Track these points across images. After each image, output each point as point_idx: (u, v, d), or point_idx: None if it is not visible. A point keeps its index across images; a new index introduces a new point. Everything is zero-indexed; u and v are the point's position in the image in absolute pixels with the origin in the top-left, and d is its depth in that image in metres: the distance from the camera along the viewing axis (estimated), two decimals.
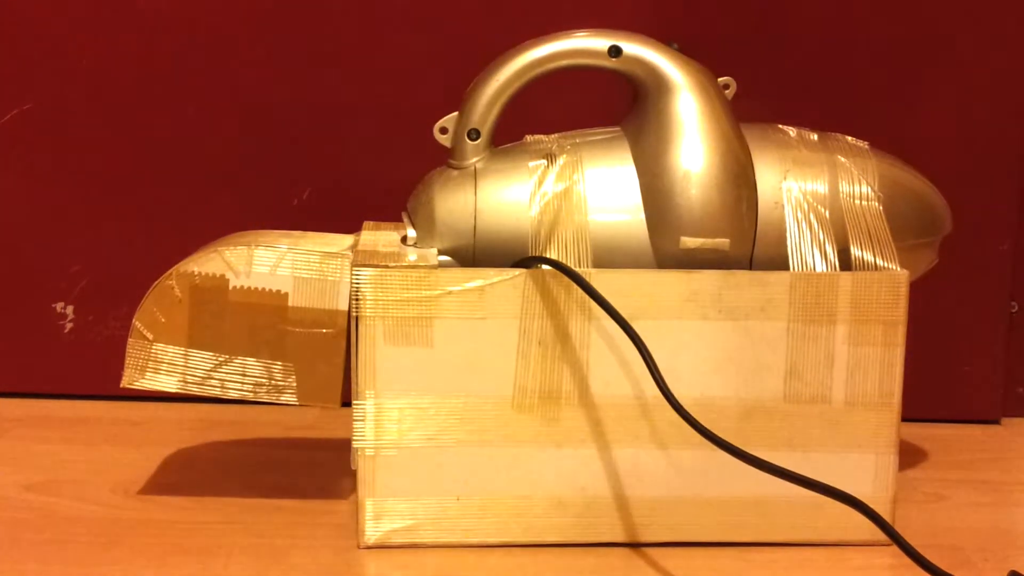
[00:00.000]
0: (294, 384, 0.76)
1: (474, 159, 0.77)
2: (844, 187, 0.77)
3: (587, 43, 0.76)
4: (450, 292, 0.72)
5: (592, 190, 0.75)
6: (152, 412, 0.98)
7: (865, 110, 0.96)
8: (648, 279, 0.73)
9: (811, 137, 0.79)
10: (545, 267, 0.73)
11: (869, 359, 0.74)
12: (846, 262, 0.75)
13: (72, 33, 0.97)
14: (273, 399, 0.76)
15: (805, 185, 0.76)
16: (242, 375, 0.76)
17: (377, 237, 0.79)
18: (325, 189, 0.99)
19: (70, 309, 1.00)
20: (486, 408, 0.73)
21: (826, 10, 0.96)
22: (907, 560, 0.67)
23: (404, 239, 0.77)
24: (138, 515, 0.79)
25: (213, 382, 0.76)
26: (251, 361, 0.76)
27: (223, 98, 0.98)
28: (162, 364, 0.76)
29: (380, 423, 0.73)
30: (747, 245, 0.75)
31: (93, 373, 1.00)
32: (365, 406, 0.73)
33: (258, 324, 0.75)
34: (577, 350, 0.73)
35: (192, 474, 0.86)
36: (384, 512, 0.74)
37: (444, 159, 0.78)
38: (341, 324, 0.75)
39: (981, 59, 0.96)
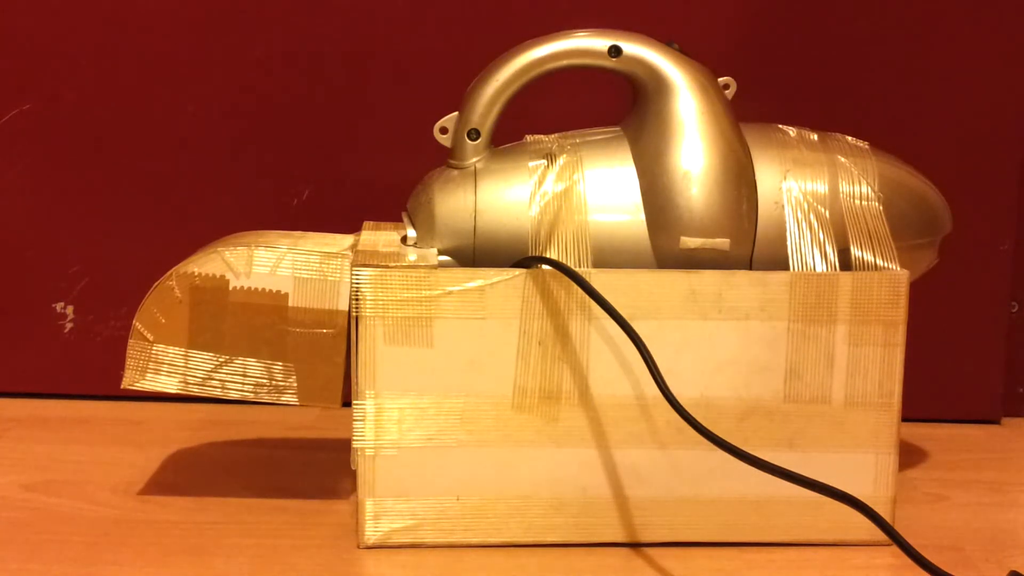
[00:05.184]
0: (294, 384, 0.76)
1: (474, 159, 0.77)
2: (844, 187, 0.77)
3: (587, 43, 0.76)
4: (450, 292, 0.72)
5: (592, 190, 0.75)
6: (152, 412, 0.98)
7: (865, 110, 0.96)
8: (648, 279, 0.73)
9: (811, 137, 0.79)
10: (545, 267, 0.73)
11: (869, 359, 0.74)
12: (846, 262, 0.75)
13: (72, 33, 0.97)
14: (274, 399, 0.76)
15: (805, 185, 0.76)
16: (243, 375, 0.76)
17: (377, 237, 0.79)
18: (325, 189, 0.99)
19: (70, 309, 1.00)
20: (486, 408, 0.73)
21: (826, 10, 0.96)
22: (907, 560, 0.67)
23: (404, 239, 0.77)
24: (138, 515, 0.79)
25: (214, 383, 0.76)
26: (251, 361, 0.76)
27: (223, 98, 0.98)
28: (163, 365, 0.76)
29: (380, 423, 0.73)
30: (747, 245, 0.75)
31: (93, 373, 1.00)
32: (365, 406, 0.73)
33: (258, 324, 0.75)
34: (577, 350, 0.73)
35: (192, 474, 0.86)
36: (384, 512, 0.74)
37: (444, 159, 0.78)
38: (341, 324, 0.75)
39: (981, 60, 0.96)
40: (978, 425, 1.00)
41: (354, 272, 0.72)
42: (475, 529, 0.75)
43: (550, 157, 0.76)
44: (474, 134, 0.77)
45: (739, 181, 0.75)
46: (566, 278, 0.72)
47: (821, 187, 0.77)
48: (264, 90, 0.98)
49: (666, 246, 0.75)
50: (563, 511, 0.75)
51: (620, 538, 0.75)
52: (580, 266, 0.74)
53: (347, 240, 0.79)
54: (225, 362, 0.76)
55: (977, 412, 1.01)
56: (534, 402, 0.74)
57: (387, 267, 0.72)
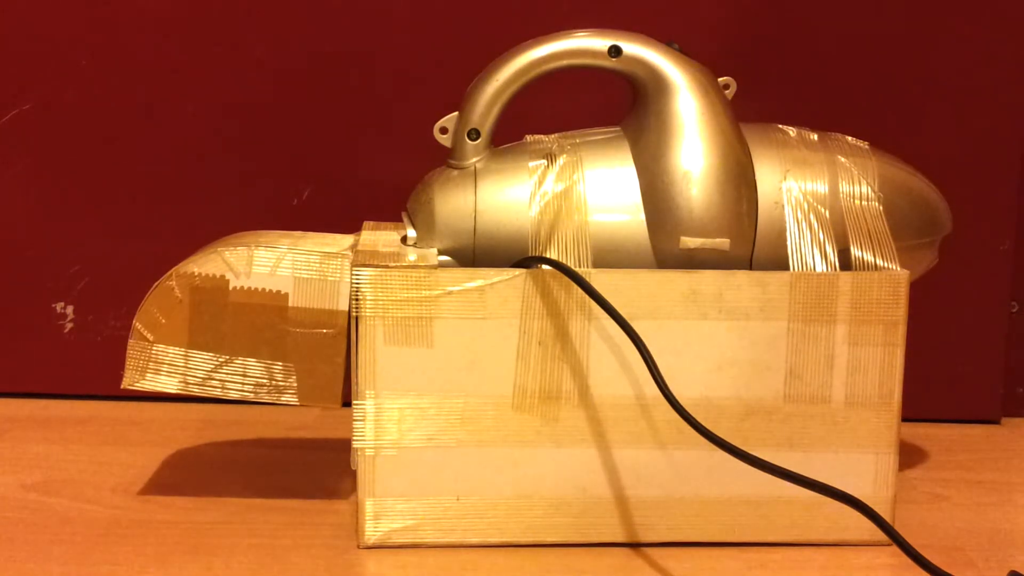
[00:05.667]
0: (294, 384, 0.76)
1: (474, 159, 0.77)
2: (844, 187, 0.77)
3: (587, 43, 0.76)
4: (450, 292, 0.72)
5: (592, 190, 0.75)
6: (152, 412, 0.98)
7: (865, 110, 0.96)
8: (648, 279, 0.73)
9: (811, 137, 0.79)
10: (545, 267, 0.73)
11: (869, 359, 0.74)
12: (846, 262, 0.75)
13: (72, 33, 0.97)
14: (274, 399, 0.76)
15: (805, 185, 0.76)
16: (243, 376, 0.76)
17: (377, 237, 0.79)
18: (325, 189, 0.99)
19: (70, 309, 1.00)
20: (486, 408, 0.73)
21: (826, 10, 0.96)
22: (907, 560, 0.67)
23: (404, 239, 0.77)
24: (138, 515, 0.79)
25: (214, 383, 0.76)
26: (251, 362, 0.76)
27: (223, 98, 0.98)
28: (163, 365, 0.76)
29: (380, 423, 0.73)
30: (747, 245, 0.75)
31: (93, 373, 1.00)
32: (365, 406, 0.73)
33: (258, 324, 0.75)
34: (577, 350, 0.73)
35: (192, 474, 0.86)
36: (384, 512, 0.74)
37: (444, 159, 0.78)
38: (341, 324, 0.75)
39: (981, 59, 0.96)
40: (978, 425, 1.00)
41: (354, 272, 0.72)
42: (475, 529, 0.75)
43: (550, 157, 0.76)
44: (474, 134, 0.77)
45: (739, 181, 0.75)
46: (566, 278, 0.72)
47: (821, 187, 0.77)
48: (264, 90, 0.98)
49: (666, 246, 0.75)
50: (563, 511, 0.75)
51: (620, 538, 0.75)
52: (580, 266, 0.74)
53: (347, 240, 0.79)
54: (225, 362, 0.76)
55: (977, 412, 1.01)
56: (534, 402, 0.74)
57: (387, 267, 0.72)
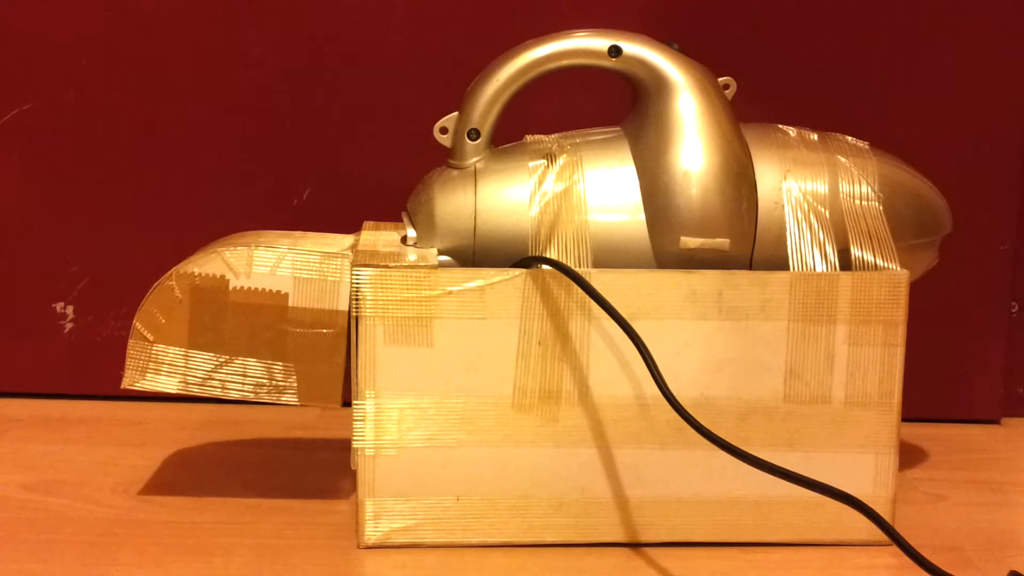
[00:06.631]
0: (295, 384, 0.76)
1: (474, 159, 0.77)
2: (844, 187, 0.77)
3: (587, 43, 0.76)
4: (450, 292, 0.72)
5: (592, 190, 0.75)
6: (152, 412, 0.98)
7: (865, 110, 0.96)
8: (648, 279, 0.73)
9: (811, 137, 0.79)
10: (545, 267, 0.73)
11: (869, 359, 0.74)
12: (846, 262, 0.75)
13: (72, 33, 0.97)
14: (274, 399, 0.76)
15: (805, 185, 0.76)
16: (243, 376, 0.76)
17: (377, 237, 0.79)
18: (325, 189, 0.99)
19: (70, 309, 1.00)
20: (486, 408, 0.73)
21: (826, 10, 0.96)
22: (907, 560, 0.67)
23: (404, 239, 0.77)
24: (138, 515, 0.79)
25: (214, 383, 0.76)
26: (252, 361, 0.76)
27: (223, 98, 0.98)
28: (163, 365, 0.76)
29: (380, 423, 0.73)
30: (747, 245, 0.75)
31: (93, 373, 1.00)
32: (365, 406, 0.73)
33: (258, 324, 0.75)
34: (577, 350, 0.73)
35: (192, 474, 0.86)
36: (384, 512, 0.74)
37: (444, 159, 0.78)
38: (341, 324, 0.75)
39: (981, 60, 0.96)
40: (978, 425, 1.00)
41: (354, 272, 0.72)
42: (475, 529, 0.75)
43: (550, 157, 0.76)
44: (474, 134, 0.77)
45: (739, 181, 0.75)
46: (566, 278, 0.72)
47: (821, 187, 0.77)
48: (264, 90, 0.98)
49: (666, 246, 0.75)
50: (563, 511, 0.75)
51: (620, 538, 0.75)
52: (580, 266, 0.74)
53: (347, 240, 0.79)
54: (225, 362, 0.76)
55: (977, 412, 1.01)
56: (534, 402, 0.74)
57: (387, 267, 0.72)
